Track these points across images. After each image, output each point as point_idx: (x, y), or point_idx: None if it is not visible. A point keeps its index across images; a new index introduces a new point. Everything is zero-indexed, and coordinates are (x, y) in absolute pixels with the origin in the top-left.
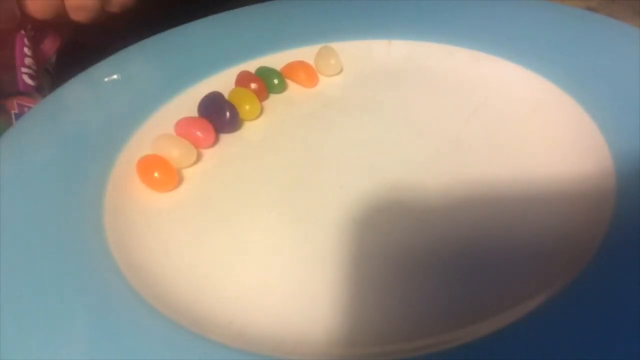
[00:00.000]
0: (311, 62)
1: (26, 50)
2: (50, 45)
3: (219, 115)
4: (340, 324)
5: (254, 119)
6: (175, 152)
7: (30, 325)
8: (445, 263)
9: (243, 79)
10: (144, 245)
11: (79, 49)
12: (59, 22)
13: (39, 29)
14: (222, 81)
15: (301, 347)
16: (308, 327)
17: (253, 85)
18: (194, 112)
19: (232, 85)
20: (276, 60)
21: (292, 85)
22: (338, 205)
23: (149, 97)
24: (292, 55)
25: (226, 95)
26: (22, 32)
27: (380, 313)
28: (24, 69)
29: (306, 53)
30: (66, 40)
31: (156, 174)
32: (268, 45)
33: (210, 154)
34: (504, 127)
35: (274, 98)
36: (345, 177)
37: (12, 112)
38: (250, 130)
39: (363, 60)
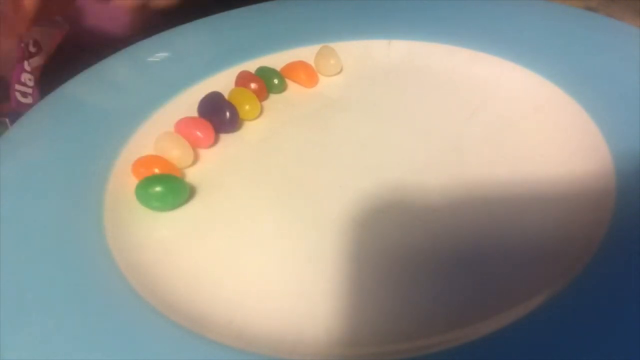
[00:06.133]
0: (311, 62)
1: (26, 65)
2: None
3: (218, 115)
4: (340, 324)
5: (254, 119)
6: (173, 152)
7: (30, 324)
8: (446, 263)
9: (243, 79)
10: (144, 245)
11: (77, 49)
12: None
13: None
14: (222, 81)
15: (301, 347)
16: (308, 327)
17: (253, 85)
18: (193, 112)
19: (232, 85)
20: (276, 60)
21: (292, 85)
22: (338, 205)
23: (149, 97)
24: (292, 55)
25: (226, 95)
26: (22, 44)
27: (380, 313)
28: (18, 86)
29: (306, 53)
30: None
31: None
32: (268, 45)
33: (210, 154)
34: (504, 127)
35: (274, 98)
36: (345, 177)
37: (6, 119)
38: (250, 130)
39: (363, 60)
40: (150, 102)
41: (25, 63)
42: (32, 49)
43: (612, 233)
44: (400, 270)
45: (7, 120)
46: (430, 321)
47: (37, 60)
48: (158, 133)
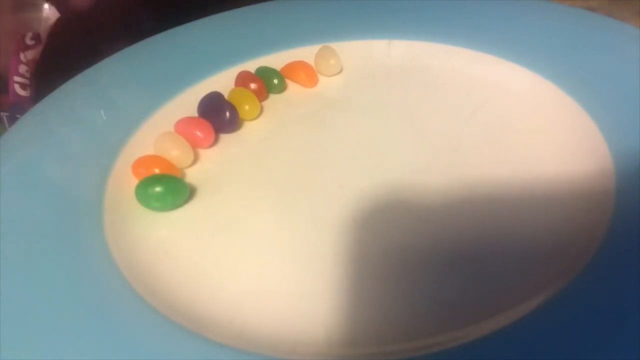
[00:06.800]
0: (311, 62)
1: (22, 56)
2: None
3: (218, 115)
4: (340, 324)
5: (254, 119)
6: (173, 152)
7: (29, 325)
8: (446, 263)
9: (243, 79)
10: (144, 245)
11: (76, 50)
12: None
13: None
14: (222, 81)
15: (301, 347)
16: (308, 327)
17: (253, 85)
18: (193, 112)
19: (232, 85)
20: (276, 60)
21: (292, 85)
22: (338, 205)
23: (149, 97)
24: (292, 55)
25: (226, 95)
26: (20, 36)
27: (380, 313)
28: (17, 78)
29: (306, 53)
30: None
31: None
32: (268, 45)
33: (210, 154)
34: (504, 127)
35: (273, 98)
36: (345, 177)
37: (4, 114)
38: (250, 130)
39: (363, 60)
40: (150, 102)
41: (22, 55)
42: (29, 42)
43: (612, 233)
44: (400, 270)
45: (4, 116)
46: (430, 321)
47: (33, 53)
48: (158, 133)
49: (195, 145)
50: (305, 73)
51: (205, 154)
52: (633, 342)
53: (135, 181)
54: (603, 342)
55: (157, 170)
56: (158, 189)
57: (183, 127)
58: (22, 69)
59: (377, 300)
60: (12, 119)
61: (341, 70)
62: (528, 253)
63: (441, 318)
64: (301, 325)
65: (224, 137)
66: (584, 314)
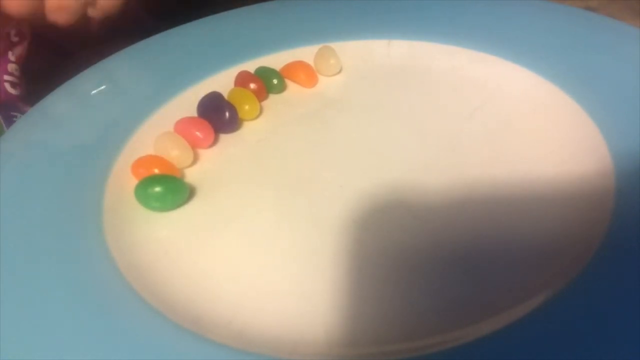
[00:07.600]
0: (311, 62)
1: (10, 55)
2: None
3: (218, 115)
4: (340, 324)
5: (254, 119)
6: (173, 153)
7: (30, 325)
8: (446, 263)
9: (242, 79)
10: (144, 245)
11: (75, 50)
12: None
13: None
14: (222, 81)
15: (301, 347)
16: (308, 327)
17: (252, 85)
18: (193, 112)
19: (232, 85)
20: (276, 60)
21: (291, 85)
22: (338, 205)
23: (148, 97)
24: (292, 55)
25: (225, 95)
26: (5, 35)
27: (380, 313)
28: (6, 77)
29: (306, 53)
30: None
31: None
32: (268, 45)
33: (209, 154)
34: (503, 127)
35: (273, 98)
36: (345, 177)
37: None
38: (250, 130)
39: (363, 60)
40: (150, 102)
41: (10, 53)
42: (14, 39)
43: (612, 233)
44: (400, 270)
45: None
46: (430, 321)
47: (19, 50)
48: (158, 133)
49: (195, 145)
50: (305, 73)
51: (205, 154)
52: (633, 342)
53: (135, 181)
54: (603, 342)
55: (156, 171)
56: (158, 189)
57: (183, 127)
58: (11, 67)
59: (377, 300)
60: (7, 118)
61: (341, 70)
62: (528, 253)
63: (441, 318)
64: (301, 325)
65: (224, 137)
66: (584, 314)
